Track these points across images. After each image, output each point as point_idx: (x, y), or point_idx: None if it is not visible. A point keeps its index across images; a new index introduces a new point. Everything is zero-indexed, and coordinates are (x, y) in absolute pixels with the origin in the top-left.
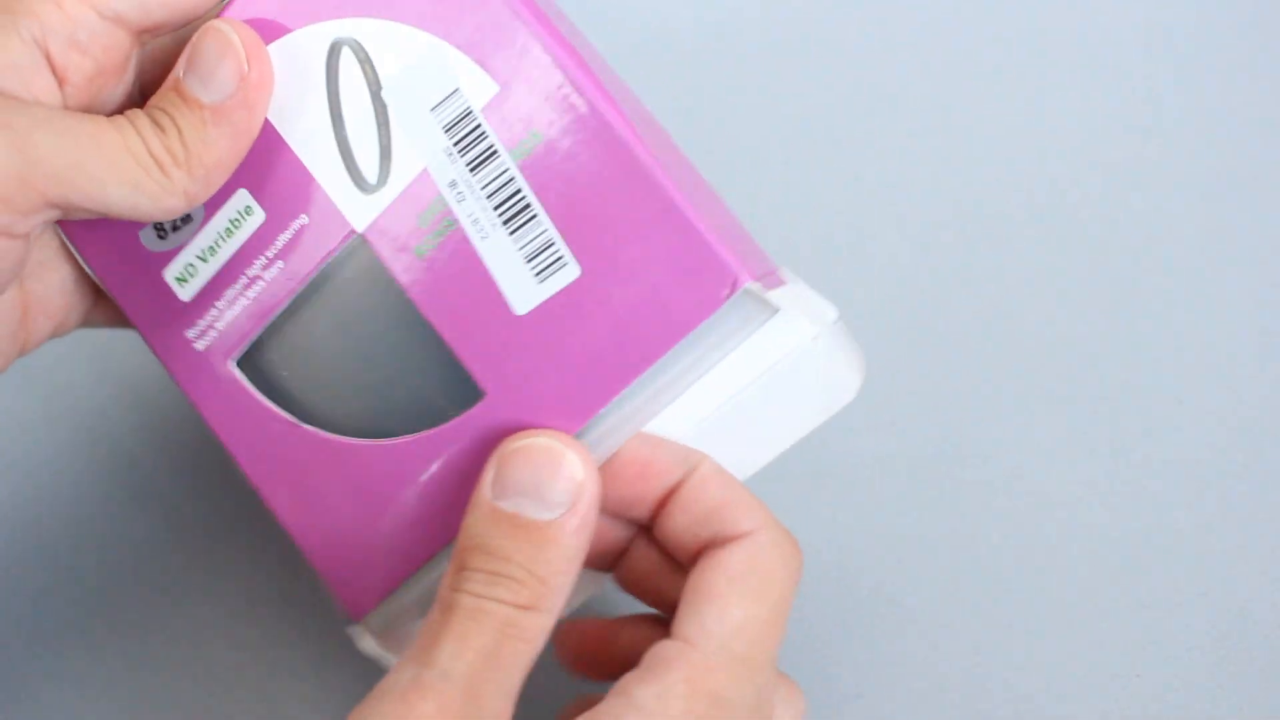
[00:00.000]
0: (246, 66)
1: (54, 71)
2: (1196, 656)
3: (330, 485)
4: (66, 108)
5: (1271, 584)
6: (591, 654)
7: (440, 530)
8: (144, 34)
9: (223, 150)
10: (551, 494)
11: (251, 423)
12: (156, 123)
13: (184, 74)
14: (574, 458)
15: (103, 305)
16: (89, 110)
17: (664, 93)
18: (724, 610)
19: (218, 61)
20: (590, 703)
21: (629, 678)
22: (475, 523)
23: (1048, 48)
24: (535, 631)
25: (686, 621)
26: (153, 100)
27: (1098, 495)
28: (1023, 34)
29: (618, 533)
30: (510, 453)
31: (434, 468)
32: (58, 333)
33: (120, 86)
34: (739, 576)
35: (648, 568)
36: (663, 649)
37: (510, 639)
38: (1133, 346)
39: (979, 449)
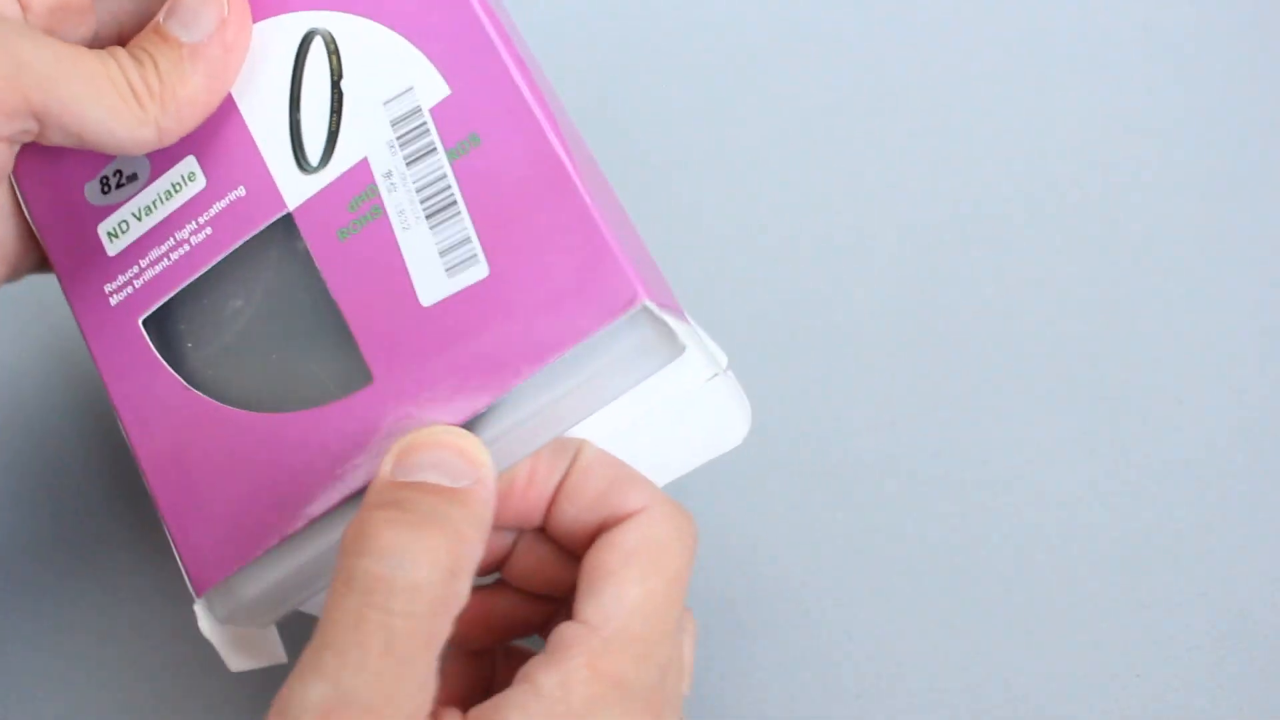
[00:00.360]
0: (226, 11)
1: None
2: (1196, 656)
3: (205, 452)
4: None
5: (1271, 584)
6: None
7: (296, 513)
8: None
9: (197, 88)
10: (458, 470)
11: (142, 378)
12: (135, 57)
13: (164, 17)
14: (475, 441)
15: None
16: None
17: (664, 92)
18: (621, 589)
19: (200, 4)
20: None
21: (533, 663)
22: (375, 494)
23: (1047, 47)
24: (454, 601)
25: (585, 604)
26: (133, 41)
27: (1098, 495)
28: (1022, 33)
29: (505, 540)
30: (416, 442)
31: (309, 447)
32: (11, 278)
33: (81, 28)
34: (633, 554)
35: (536, 562)
36: (563, 633)
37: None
38: (1133, 346)
39: (979, 449)
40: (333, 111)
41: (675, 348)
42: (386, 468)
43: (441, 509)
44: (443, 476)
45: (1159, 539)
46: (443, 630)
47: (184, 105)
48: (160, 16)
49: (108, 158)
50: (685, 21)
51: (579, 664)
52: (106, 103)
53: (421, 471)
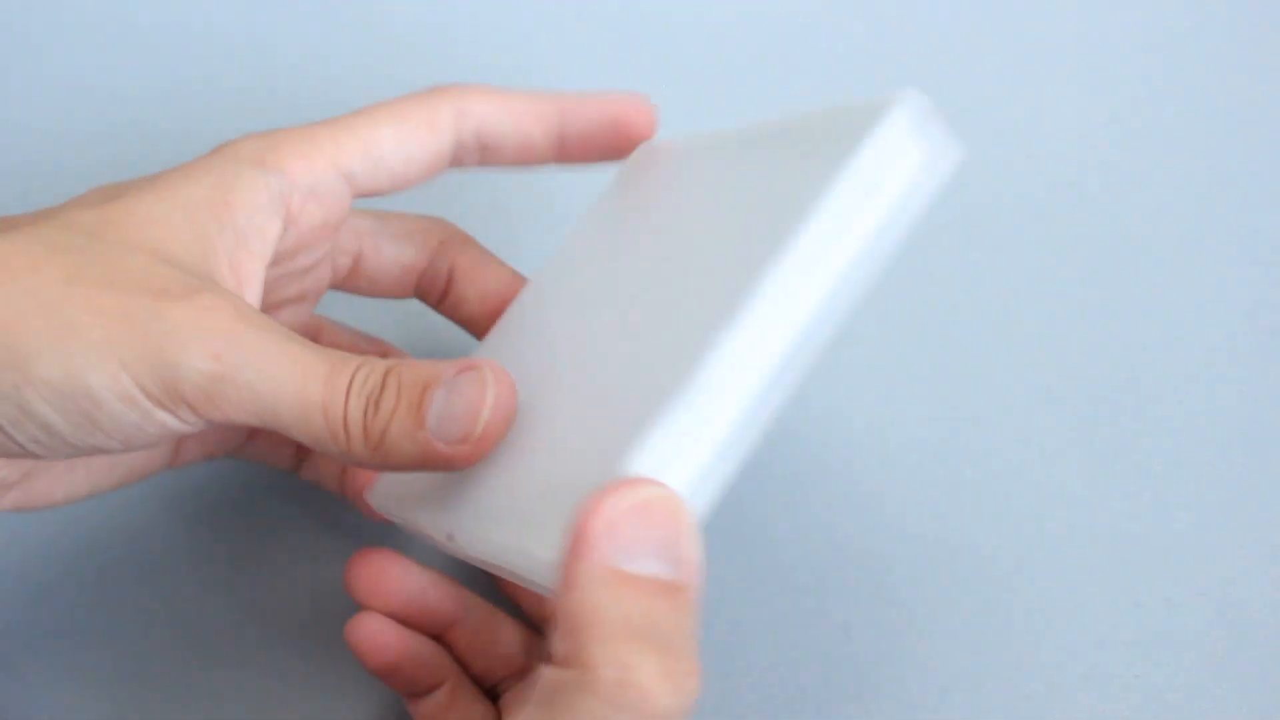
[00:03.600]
0: (481, 426)
1: (288, 216)
2: (1196, 656)
3: None
4: (284, 249)
5: (1271, 584)
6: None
7: None
8: (361, 194)
9: (407, 465)
10: (680, 552)
11: None
12: (369, 396)
13: (430, 411)
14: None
15: (255, 443)
16: (299, 250)
17: (664, 91)
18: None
19: (463, 411)
20: None
21: (522, 713)
22: (593, 592)
23: (1047, 47)
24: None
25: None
26: (391, 368)
27: (1098, 495)
28: (1022, 33)
29: None
30: (629, 510)
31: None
32: (209, 456)
33: (326, 244)
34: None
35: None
36: (544, 674)
37: None
38: (1133, 346)
39: (979, 448)
40: None
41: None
42: (601, 541)
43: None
44: (667, 565)
45: (1159, 539)
46: None
47: (388, 466)
48: (429, 404)
49: None
50: (684, 21)
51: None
52: (312, 429)
53: (646, 558)
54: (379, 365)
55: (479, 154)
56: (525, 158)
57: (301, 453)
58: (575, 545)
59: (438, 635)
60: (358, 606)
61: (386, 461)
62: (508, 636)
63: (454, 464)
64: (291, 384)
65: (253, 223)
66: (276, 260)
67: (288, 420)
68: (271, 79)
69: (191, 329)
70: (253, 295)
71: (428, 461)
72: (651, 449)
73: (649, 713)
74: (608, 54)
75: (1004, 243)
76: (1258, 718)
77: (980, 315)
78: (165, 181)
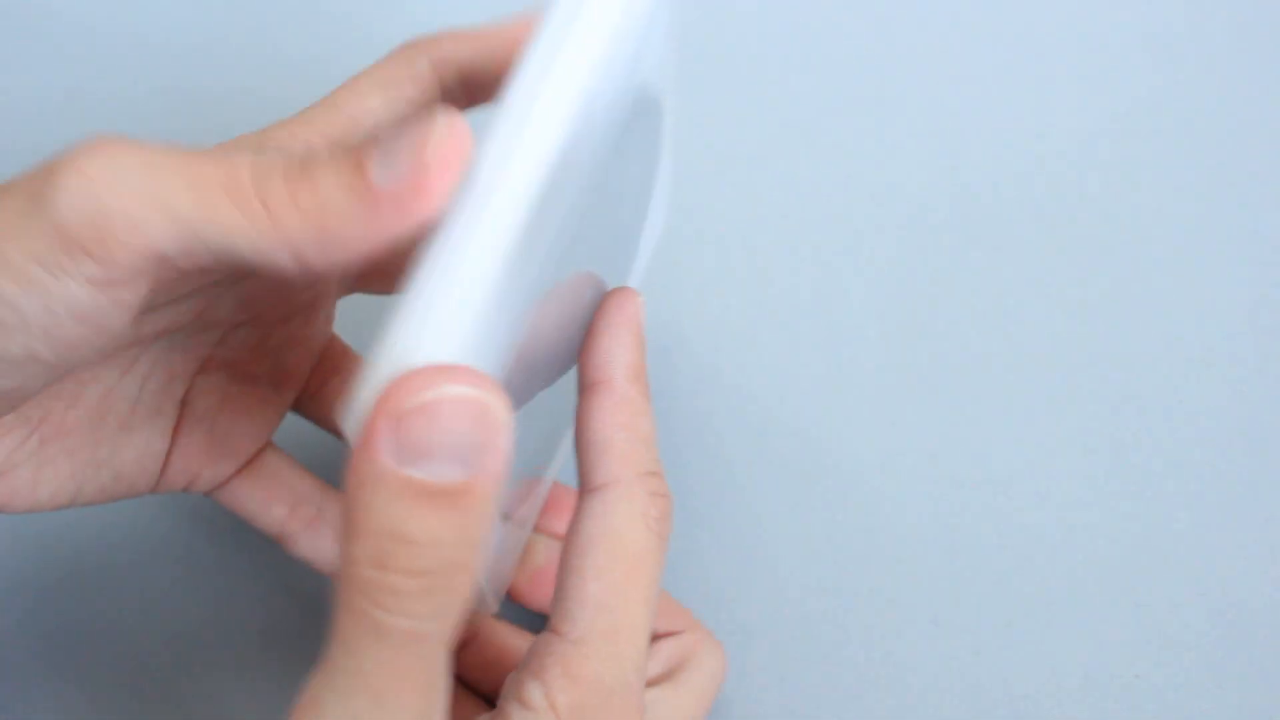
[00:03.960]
0: (431, 153)
1: None
2: (1196, 656)
3: None
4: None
5: (1271, 584)
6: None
7: None
8: None
9: (349, 232)
10: (470, 446)
11: None
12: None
13: (368, 154)
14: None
15: (240, 492)
16: None
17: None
18: (581, 587)
19: (408, 145)
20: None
21: (515, 679)
22: (379, 501)
23: (1046, 47)
24: (460, 622)
25: (554, 609)
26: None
27: (1098, 495)
28: (1021, 33)
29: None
30: (416, 407)
31: None
32: (188, 486)
33: None
34: (588, 545)
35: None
36: (539, 644)
37: (445, 651)
38: (1132, 346)
39: (978, 449)
40: None
41: None
42: (385, 446)
43: (447, 573)
44: (452, 464)
45: (1159, 539)
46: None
47: (330, 236)
48: (370, 154)
49: None
50: (678, 20)
51: (556, 673)
52: (223, 218)
53: (429, 459)
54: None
55: (466, 97)
56: None
57: (290, 525)
58: (359, 443)
59: None
60: None
61: (323, 234)
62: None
63: (406, 212)
64: (181, 178)
65: None
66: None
67: (190, 217)
68: (271, 86)
69: (68, 162)
70: None
71: (375, 219)
72: (416, 326)
73: (377, 626)
74: None
75: (1004, 243)
76: (1258, 718)
77: (980, 315)
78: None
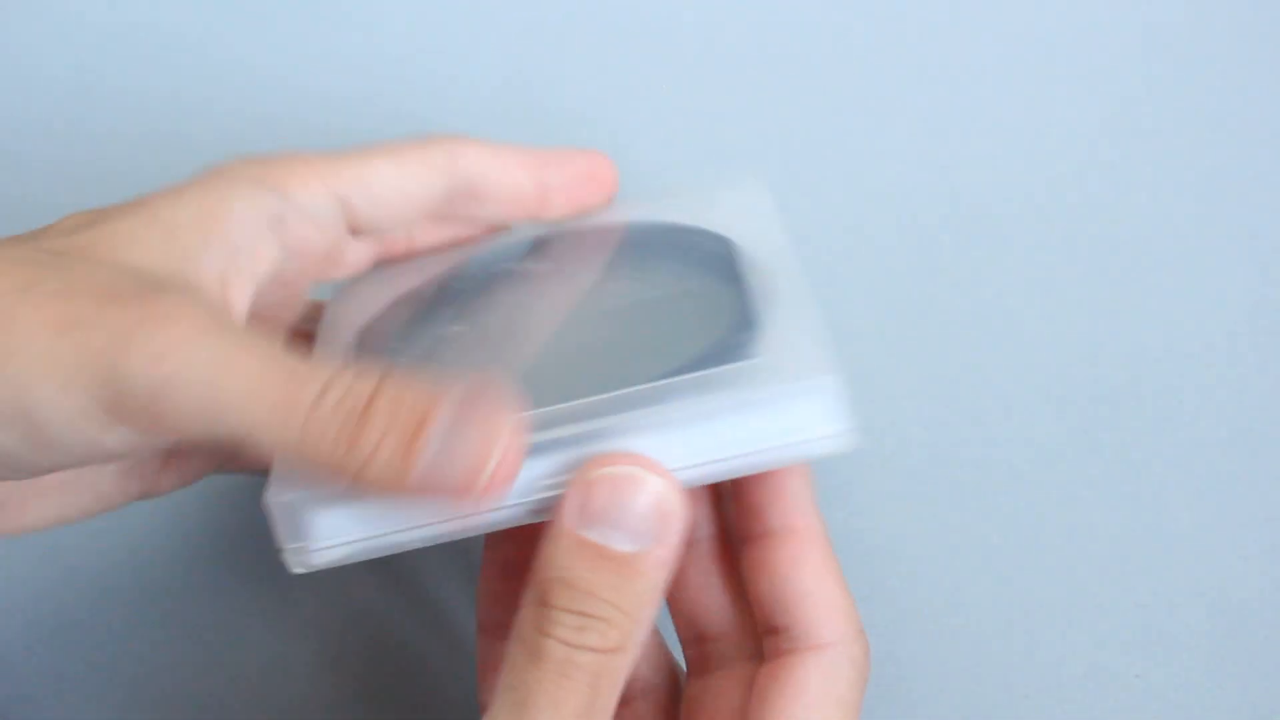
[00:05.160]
0: (486, 477)
1: (286, 238)
2: (1196, 656)
3: None
4: (287, 277)
5: (1271, 584)
6: None
7: None
8: (356, 227)
9: (392, 484)
10: (635, 523)
11: None
12: (353, 401)
13: (424, 443)
14: (659, 484)
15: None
16: (300, 278)
17: (665, 90)
18: None
19: (465, 456)
20: None
21: None
22: (557, 552)
23: (1046, 47)
24: (624, 673)
25: None
26: (385, 380)
27: (1098, 495)
28: (1021, 32)
29: None
30: (595, 480)
31: None
32: (184, 484)
33: (320, 276)
34: (816, 704)
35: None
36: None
37: (603, 691)
38: (1132, 346)
39: (978, 449)
40: None
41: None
42: (573, 509)
43: (607, 616)
44: (623, 534)
45: (1159, 539)
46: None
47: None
48: (425, 442)
49: None
50: (678, 21)
51: None
52: (267, 436)
53: (601, 525)
54: (368, 374)
55: (470, 203)
56: (513, 208)
57: None
58: (555, 509)
59: None
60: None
61: (354, 480)
62: None
63: (441, 497)
64: (244, 382)
65: (246, 238)
66: (275, 286)
67: (236, 426)
68: (268, 100)
69: (136, 329)
70: (238, 317)
71: (405, 490)
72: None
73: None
74: (608, 57)
75: (1004, 243)
76: (1258, 718)
77: (980, 315)
78: (149, 203)
